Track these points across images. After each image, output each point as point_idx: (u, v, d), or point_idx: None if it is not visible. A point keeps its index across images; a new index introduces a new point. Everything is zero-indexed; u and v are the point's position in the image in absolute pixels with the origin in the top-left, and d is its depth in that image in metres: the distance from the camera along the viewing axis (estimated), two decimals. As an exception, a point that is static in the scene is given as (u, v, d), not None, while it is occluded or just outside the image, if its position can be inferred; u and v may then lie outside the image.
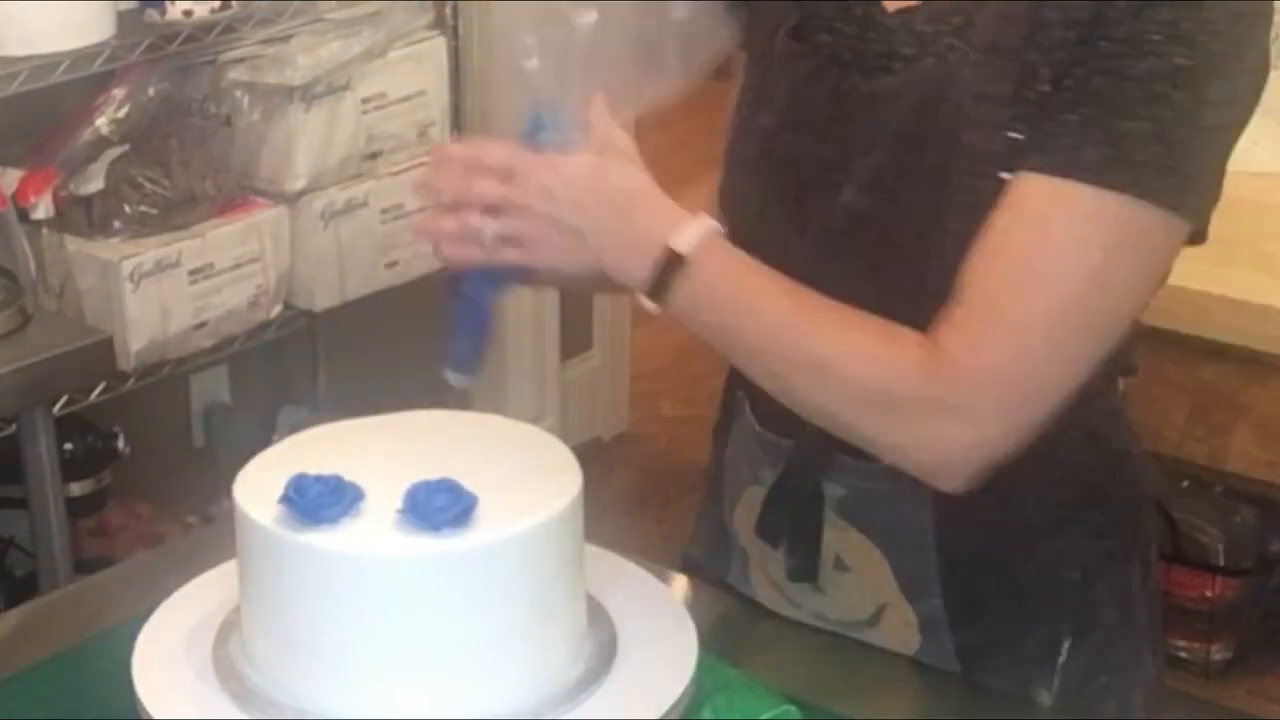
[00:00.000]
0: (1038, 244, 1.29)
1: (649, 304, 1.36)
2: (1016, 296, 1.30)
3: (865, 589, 1.50)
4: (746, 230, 1.48)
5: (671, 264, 1.34)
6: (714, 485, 1.65)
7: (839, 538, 1.50)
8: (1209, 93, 1.28)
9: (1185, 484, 2.81)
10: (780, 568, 1.54)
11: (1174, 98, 1.27)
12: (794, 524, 1.51)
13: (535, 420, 3.54)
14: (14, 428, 2.47)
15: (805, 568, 1.52)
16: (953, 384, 1.30)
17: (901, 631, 1.50)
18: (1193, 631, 2.88)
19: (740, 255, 1.36)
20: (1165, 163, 1.27)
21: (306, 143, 2.84)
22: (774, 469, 1.53)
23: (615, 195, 1.37)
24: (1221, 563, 2.89)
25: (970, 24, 1.36)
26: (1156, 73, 1.26)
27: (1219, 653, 2.92)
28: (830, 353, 1.33)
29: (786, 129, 1.46)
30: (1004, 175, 1.31)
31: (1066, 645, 1.49)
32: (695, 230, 1.35)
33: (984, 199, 1.32)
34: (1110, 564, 1.51)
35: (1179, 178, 1.28)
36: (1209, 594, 2.89)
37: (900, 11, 1.41)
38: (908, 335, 1.32)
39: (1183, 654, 2.87)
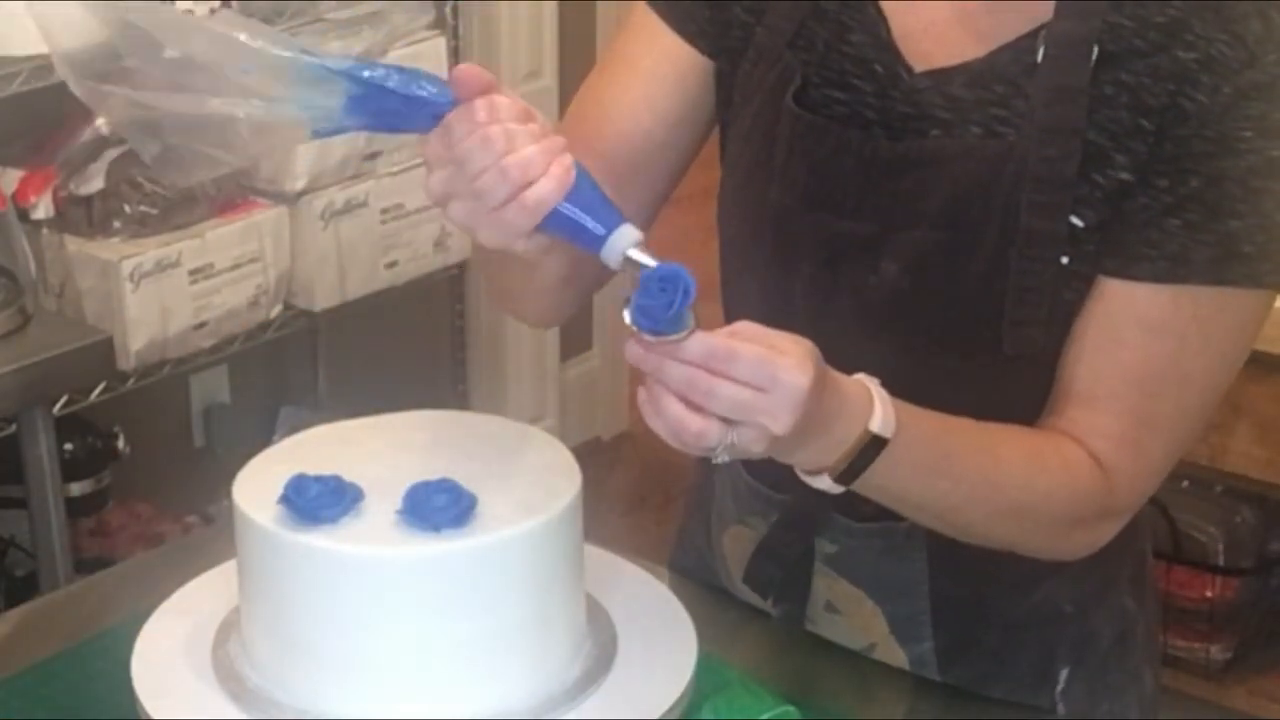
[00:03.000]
0: (1172, 352, 1.32)
1: (827, 484, 1.27)
2: (1162, 404, 1.34)
3: (856, 630, 1.49)
4: (758, 309, 1.40)
5: (869, 449, 1.25)
6: (699, 507, 1.63)
7: (829, 587, 1.49)
8: None
9: (1185, 484, 2.81)
10: (769, 610, 1.53)
11: (1274, 189, 1.28)
12: (784, 577, 1.49)
13: (535, 420, 3.54)
14: (14, 428, 2.46)
15: (794, 616, 1.51)
16: (1125, 495, 1.36)
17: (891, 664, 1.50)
18: (1193, 631, 2.88)
19: (917, 415, 1.27)
20: (1271, 248, 1.30)
21: (306, 142, 2.83)
22: (764, 517, 1.50)
23: (815, 397, 1.20)
24: (1221, 563, 2.89)
25: (1018, 93, 1.31)
26: (1255, 170, 1.28)
27: (1219, 653, 2.92)
28: (1030, 501, 1.34)
29: (808, 205, 1.38)
30: (1064, 260, 1.31)
31: (1064, 674, 1.48)
32: (883, 407, 1.25)
33: (1042, 281, 1.31)
34: (1106, 591, 1.49)
35: None
36: (1209, 594, 2.90)
37: (932, 72, 1.34)
38: (1082, 460, 1.33)
39: (1183, 654, 2.87)
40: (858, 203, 1.36)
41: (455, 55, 3.12)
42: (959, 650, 1.47)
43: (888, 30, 1.36)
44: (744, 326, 1.20)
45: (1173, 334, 1.31)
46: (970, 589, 1.46)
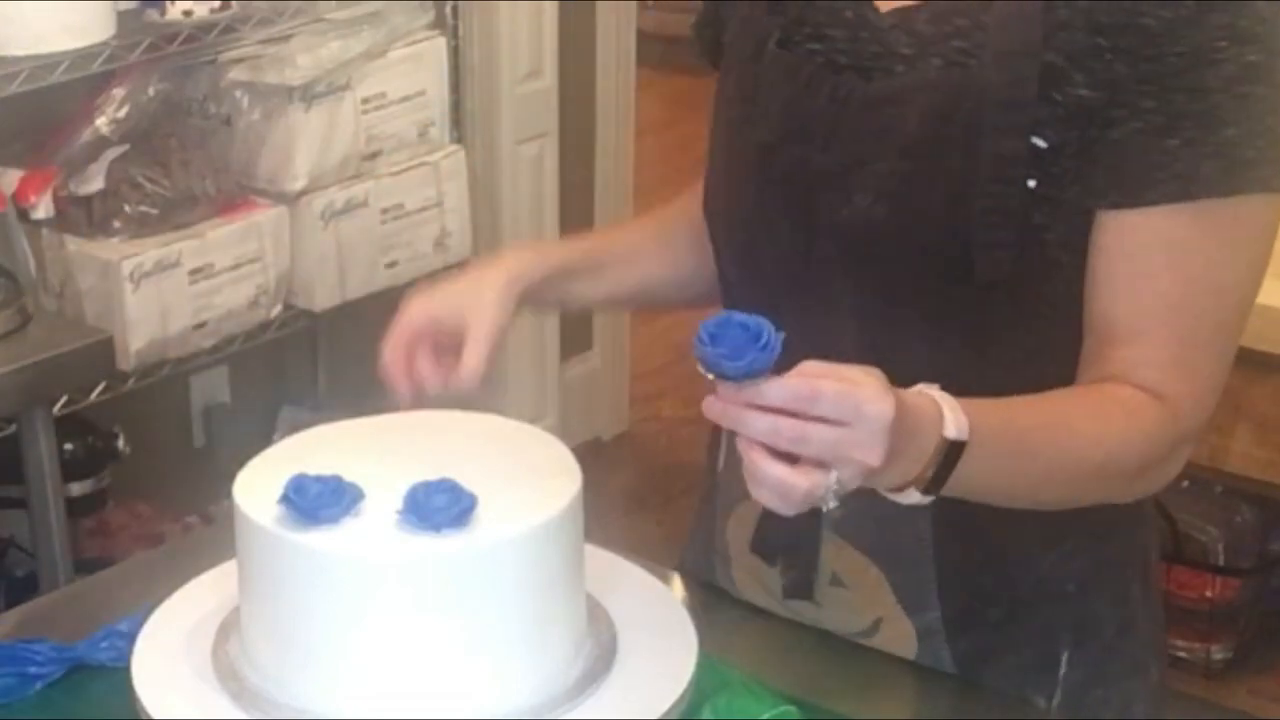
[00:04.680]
0: (1201, 268, 1.34)
1: (916, 497, 1.26)
2: (1203, 321, 1.36)
3: (862, 604, 1.50)
4: (745, 245, 1.48)
5: (950, 456, 1.25)
6: (707, 497, 1.64)
7: (835, 555, 1.49)
8: None
9: (1185, 484, 2.81)
10: (776, 583, 1.54)
11: (1259, 92, 1.30)
12: (791, 542, 1.50)
13: (535, 420, 3.54)
14: (14, 428, 2.47)
15: (801, 584, 1.51)
16: (1188, 418, 1.37)
17: (898, 642, 1.50)
18: (1193, 631, 2.88)
19: (983, 408, 1.28)
20: (1272, 152, 1.32)
21: (306, 143, 2.84)
22: None
23: (899, 422, 1.20)
24: (1221, 563, 2.89)
25: (978, 26, 1.35)
26: (1236, 77, 1.29)
27: (1219, 653, 2.92)
28: (1103, 458, 1.35)
29: (785, 141, 1.43)
30: (1030, 183, 1.33)
31: (1065, 657, 1.49)
32: (952, 412, 1.25)
33: (1009, 205, 1.33)
34: (1108, 573, 1.50)
35: None
36: (1209, 594, 2.90)
37: (895, 12, 1.40)
38: (1138, 401, 1.35)
39: (1183, 654, 2.87)
40: (829, 137, 1.40)
41: (455, 55, 3.12)
42: (966, 621, 1.48)
43: None
44: (809, 365, 1.20)
45: (1198, 251, 1.33)
46: (976, 553, 1.46)
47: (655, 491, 3.76)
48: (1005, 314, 1.38)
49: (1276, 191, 1.34)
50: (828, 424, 1.17)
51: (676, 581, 1.58)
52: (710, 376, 1.17)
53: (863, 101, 1.39)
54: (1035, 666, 1.49)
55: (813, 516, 1.48)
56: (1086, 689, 1.50)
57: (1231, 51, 1.29)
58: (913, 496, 1.26)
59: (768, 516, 1.51)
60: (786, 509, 1.19)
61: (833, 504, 1.20)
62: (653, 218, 1.69)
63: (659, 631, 1.38)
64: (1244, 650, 2.95)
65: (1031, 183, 1.33)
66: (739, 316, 1.18)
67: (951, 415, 1.24)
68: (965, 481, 1.27)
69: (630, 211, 3.92)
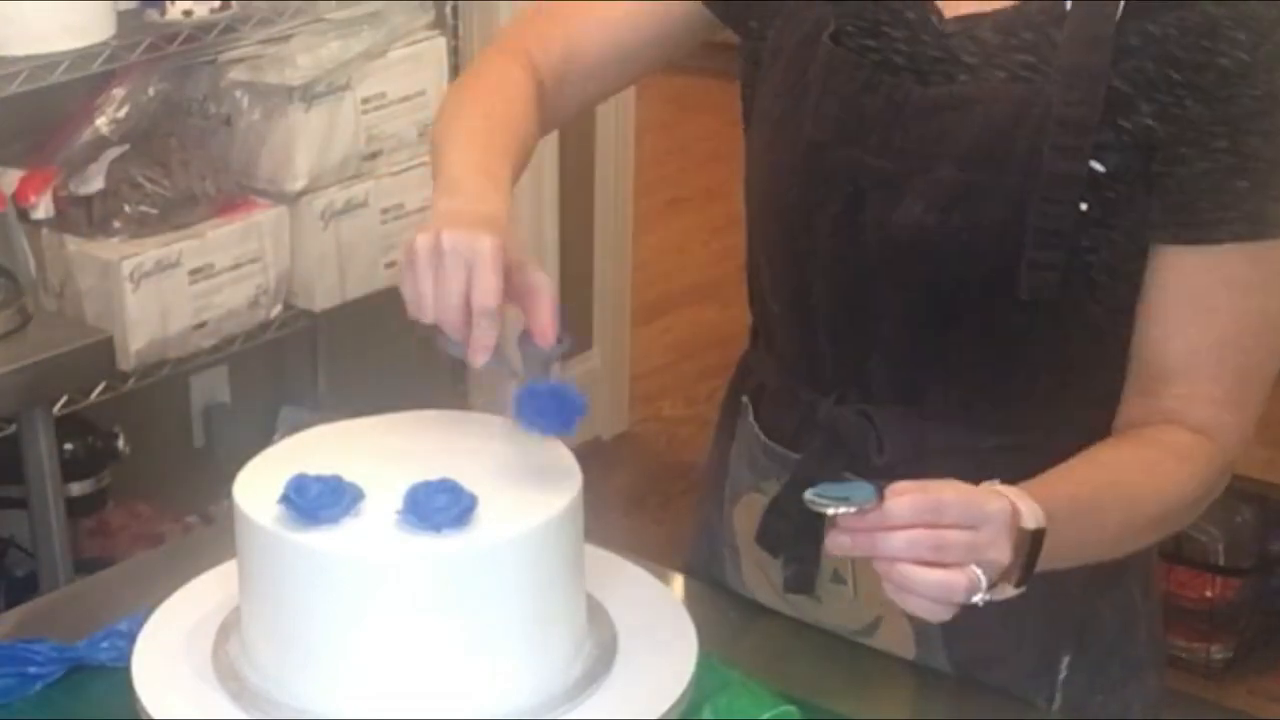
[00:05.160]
0: (1259, 306, 1.37)
1: (1011, 591, 1.27)
2: (1256, 356, 1.39)
3: (862, 601, 1.50)
4: (782, 238, 1.47)
5: (1034, 545, 1.26)
6: (712, 487, 1.64)
7: None
8: None
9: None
10: (778, 574, 1.54)
11: None
12: (795, 535, 1.50)
13: (535, 420, 3.54)
14: (14, 428, 2.46)
15: (802, 579, 1.51)
16: (1233, 449, 1.42)
17: (896, 643, 1.50)
18: (1193, 631, 2.89)
19: (1048, 487, 1.29)
20: None
21: (306, 143, 2.84)
22: (778, 479, 1.52)
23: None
24: (1221, 563, 2.89)
25: (1046, 41, 1.34)
26: None
27: (1219, 653, 2.92)
28: (1166, 509, 1.39)
29: (838, 140, 1.41)
30: (1083, 206, 1.34)
31: (1066, 661, 1.49)
32: (1025, 502, 1.26)
33: (1062, 225, 1.34)
34: (1110, 577, 1.50)
35: None
36: (1209, 594, 2.90)
37: (960, 18, 1.39)
38: (1189, 446, 1.38)
39: (1183, 654, 2.87)
40: (884, 141, 1.39)
41: (455, 55, 3.12)
42: (965, 624, 1.47)
43: None
44: (901, 485, 1.22)
45: (1258, 289, 1.35)
46: None
47: (655, 491, 3.76)
48: (1040, 328, 1.39)
49: None
50: (960, 529, 1.19)
51: (676, 581, 1.58)
52: (829, 512, 1.21)
53: (921, 106, 1.38)
54: (1034, 669, 1.49)
55: (817, 514, 1.48)
56: (1086, 692, 1.49)
57: None
58: (1007, 591, 1.26)
59: (773, 510, 1.51)
60: (945, 612, 1.22)
61: (984, 598, 1.22)
62: (514, 96, 1.55)
63: (659, 631, 1.38)
64: (1244, 650, 2.95)
65: (1084, 206, 1.34)
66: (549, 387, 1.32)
67: (1026, 507, 1.26)
68: (1048, 561, 1.28)
69: (630, 211, 3.92)
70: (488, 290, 1.30)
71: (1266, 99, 1.30)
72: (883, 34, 1.41)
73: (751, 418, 1.56)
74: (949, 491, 1.20)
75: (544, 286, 1.35)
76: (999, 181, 1.35)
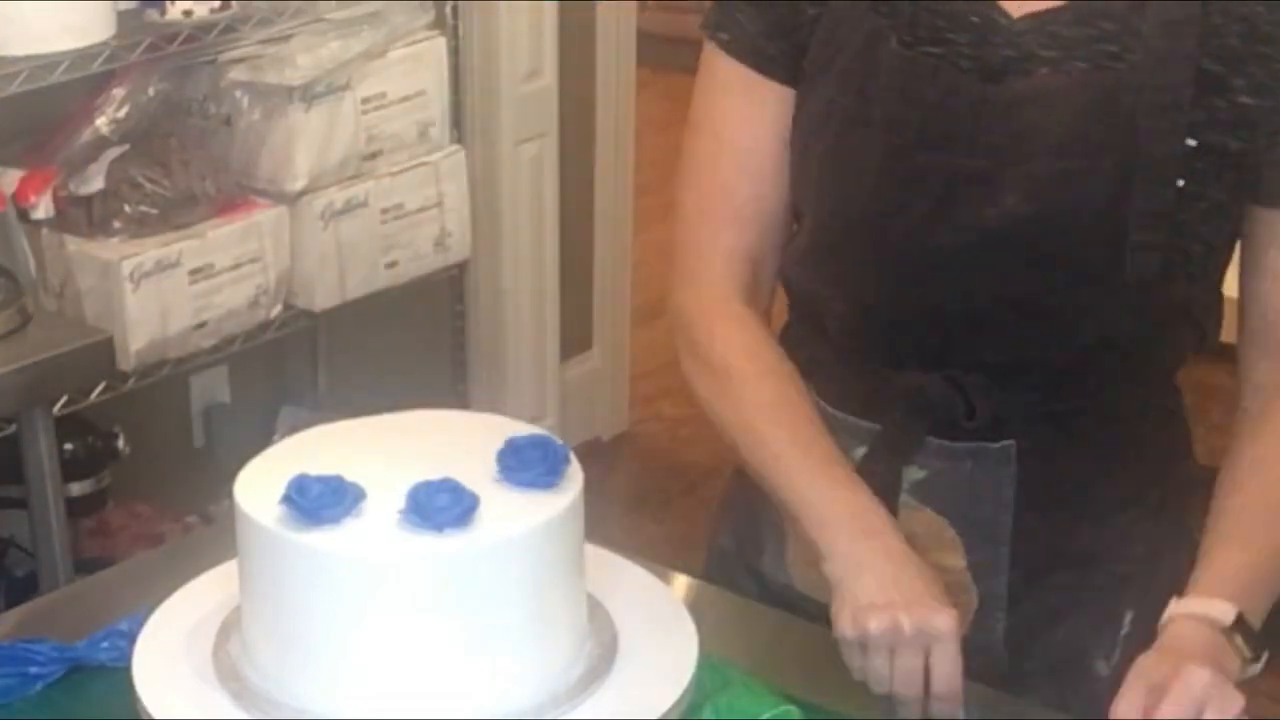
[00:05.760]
0: None
1: (1256, 668, 1.41)
2: None
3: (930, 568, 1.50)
4: (858, 237, 1.47)
5: (1243, 633, 1.38)
6: (748, 479, 1.63)
7: (909, 517, 1.49)
8: None
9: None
10: None
11: None
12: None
13: (535, 420, 3.54)
14: (14, 428, 2.46)
15: None
16: None
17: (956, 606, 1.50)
18: (1193, 631, 2.88)
19: (1221, 564, 1.39)
20: None
21: (306, 143, 2.84)
22: (848, 452, 1.50)
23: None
24: (1222, 563, 2.88)
25: (1128, 30, 1.37)
26: None
27: (1219, 653, 2.91)
28: None
29: (921, 144, 1.42)
30: (1179, 183, 1.36)
31: (1129, 618, 1.50)
32: (1207, 607, 1.37)
33: (1162, 206, 1.37)
34: (1175, 537, 1.52)
35: None
36: (1209, 594, 2.89)
37: (1030, 15, 1.40)
38: None
39: (1183, 654, 2.86)
40: (972, 140, 1.41)
41: (455, 55, 3.12)
42: (1030, 585, 1.49)
43: None
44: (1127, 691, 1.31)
45: None
46: (1052, 517, 1.49)
47: (655, 491, 3.76)
48: (1140, 307, 1.42)
49: None
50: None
51: (677, 581, 1.58)
52: None
53: (1007, 103, 1.40)
54: (1096, 627, 1.51)
55: (894, 482, 1.48)
56: (1146, 648, 1.50)
57: None
58: (1254, 669, 1.38)
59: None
60: None
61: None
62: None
63: (659, 631, 1.38)
64: (1244, 650, 2.94)
65: (1180, 182, 1.37)
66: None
67: (1216, 611, 1.35)
68: (1256, 618, 1.37)
69: (630, 211, 3.92)
70: (953, 677, 1.34)
71: None
72: (945, 40, 1.42)
73: (812, 394, 1.54)
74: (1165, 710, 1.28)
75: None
76: (1095, 168, 1.38)
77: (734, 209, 1.52)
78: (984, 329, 1.45)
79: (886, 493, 1.48)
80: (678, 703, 1.31)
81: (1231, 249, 1.47)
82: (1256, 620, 1.39)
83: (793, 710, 1.34)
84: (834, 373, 1.53)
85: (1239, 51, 1.36)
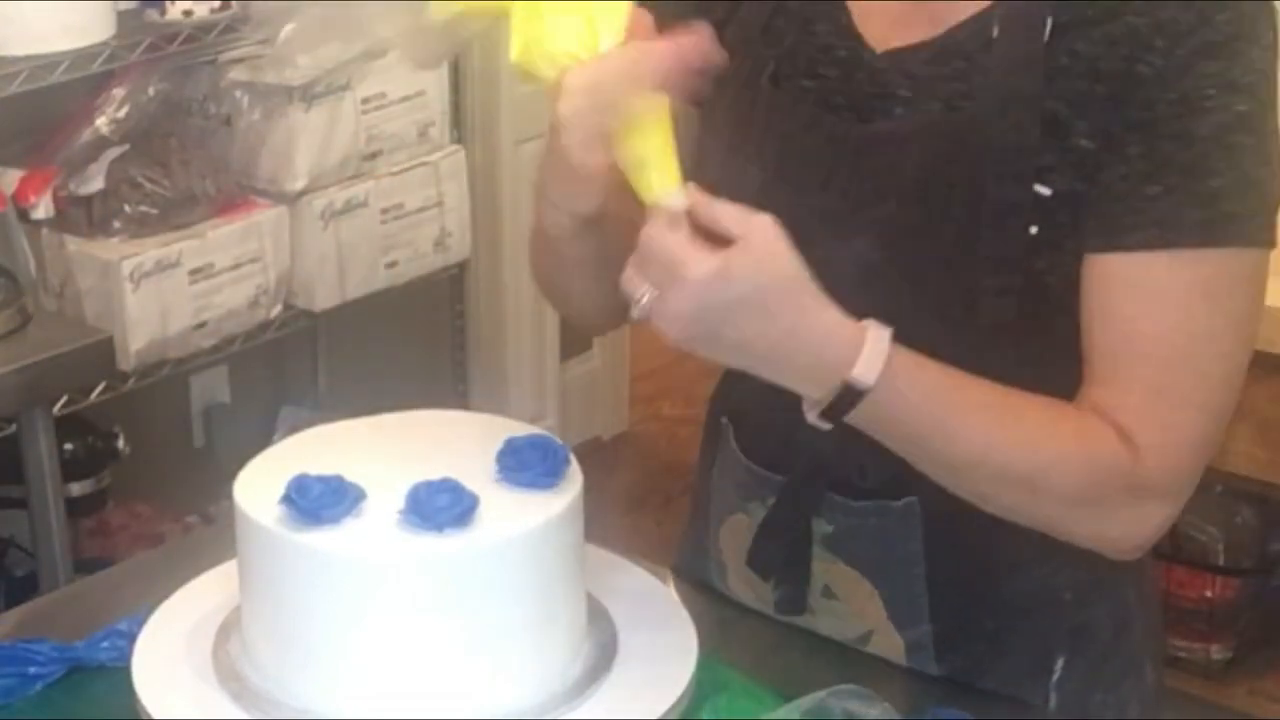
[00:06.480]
0: (1178, 320, 1.31)
1: (814, 419, 1.28)
2: (1181, 373, 1.32)
3: (852, 616, 1.50)
4: None
5: (852, 394, 1.26)
6: (699, 504, 1.64)
7: (827, 570, 1.49)
8: (1270, 125, 1.30)
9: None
10: (769, 596, 1.53)
11: (1246, 144, 1.28)
12: (785, 559, 1.50)
13: (535, 420, 3.54)
14: (14, 428, 2.47)
15: (793, 600, 1.51)
16: (1156, 471, 1.33)
17: (887, 653, 1.50)
18: (1193, 631, 2.88)
19: (919, 368, 1.28)
20: (1256, 205, 1.30)
21: (306, 143, 2.84)
22: (762, 501, 1.51)
23: (781, 315, 1.25)
24: (1221, 563, 2.89)
25: (976, 69, 1.33)
26: (1225, 125, 1.27)
27: (1219, 653, 2.92)
28: (1037, 467, 1.32)
29: (781, 181, 1.39)
30: (1032, 230, 1.31)
31: (1060, 663, 1.48)
32: (874, 358, 1.25)
33: (1012, 251, 1.32)
34: (1103, 582, 1.49)
35: (1266, 213, 1.31)
36: (1209, 594, 2.90)
37: (891, 53, 1.37)
38: (1101, 430, 1.31)
39: (1183, 654, 2.87)
40: (827, 179, 1.38)
41: (455, 55, 3.12)
42: (956, 635, 1.47)
43: (848, 16, 1.40)
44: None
45: (1173, 302, 1.30)
46: (967, 569, 1.46)
47: (655, 491, 3.76)
48: (1001, 351, 1.36)
49: (1258, 246, 1.31)
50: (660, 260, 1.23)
51: (677, 581, 1.57)
52: None
53: (860, 143, 1.37)
54: (1027, 672, 1.48)
55: (804, 535, 1.48)
56: (1082, 691, 1.49)
57: (1221, 100, 1.27)
58: (810, 417, 1.27)
59: (762, 535, 1.51)
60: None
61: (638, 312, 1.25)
62: None
63: (659, 631, 1.38)
64: (1244, 650, 2.95)
65: (1034, 229, 1.31)
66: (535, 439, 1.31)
67: (867, 359, 1.25)
68: (867, 428, 1.28)
69: (630, 211, 3.92)
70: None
71: (1180, 103, 1.27)
72: (818, 74, 1.40)
73: (733, 440, 1.55)
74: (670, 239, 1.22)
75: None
76: (944, 213, 1.33)
77: None
78: None
79: (798, 545, 1.48)
80: (677, 703, 1.31)
81: None
82: (860, 420, 1.28)
83: (792, 710, 1.34)
84: (754, 422, 1.53)
85: (1083, 93, 1.29)
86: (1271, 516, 2.93)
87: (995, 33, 1.32)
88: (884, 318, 1.33)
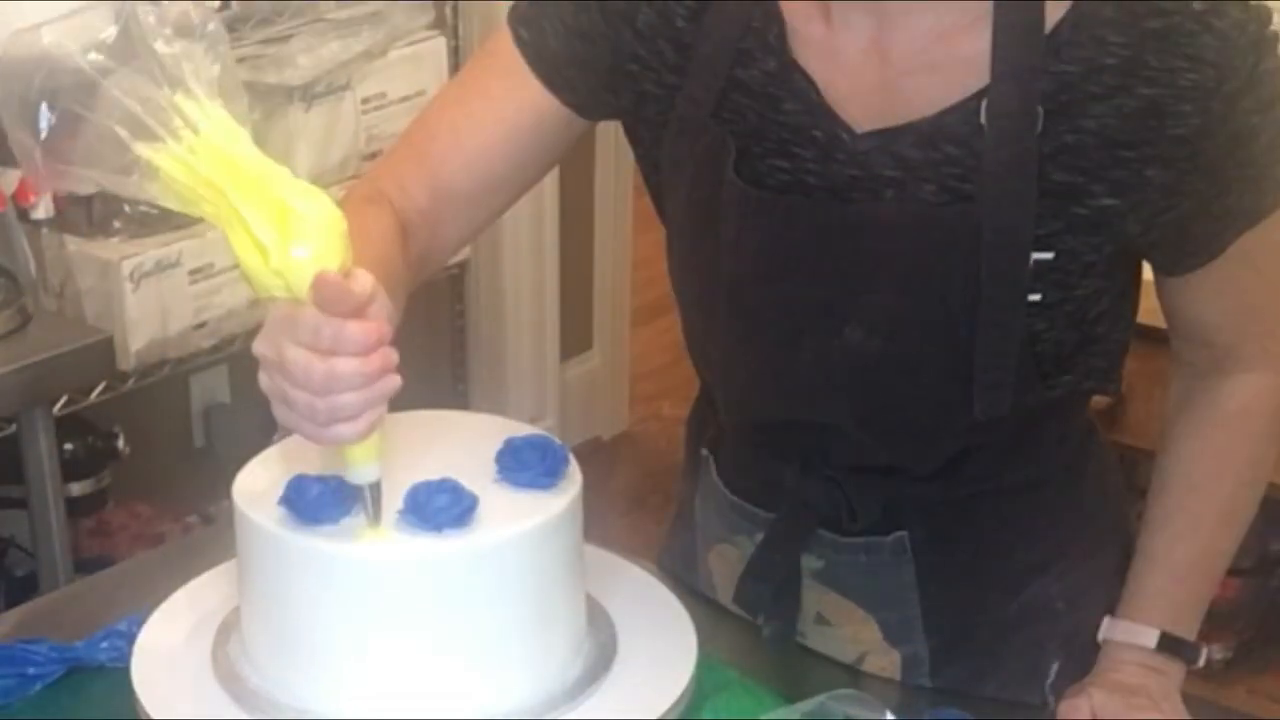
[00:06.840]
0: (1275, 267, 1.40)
1: (1201, 659, 1.54)
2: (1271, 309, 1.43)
3: (847, 639, 1.50)
4: (727, 376, 1.45)
5: (1171, 647, 1.50)
6: (685, 520, 1.63)
7: (819, 599, 1.50)
8: None
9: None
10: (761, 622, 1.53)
11: None
12: (774, 596, 1.49)
13: (535, 420, 3.54)
14: (14, 428, 2.46)
15: (785, 634, 1.51)
16: None
17: (883, 671, 1.50)
18: (1192, 631, 2.88)
19: (1152, 585, 1.46)
20: None
21: (306, 143, 2.84)
22: (749, 536, 1.51)
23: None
24: (1221, 563, 2.88)
25: (970, 153, 1.28)
26: (1274, 137, 1.31)
27: (1219, 653, 2.92)
28: (1253, 479, 1.48)
29: (765, 277, 1.35)
30: (1035, 297, 1.31)
31: (1055, 668, 1.49)
32: (1134, 630, 1.46)
33: (1007, 347, 1.32)
34: (1096, 588, 1.49)
35: None
36: (1209, 594, 2.89)
37: (875, 133, 1.31)
38: (1244, 403, 1.44)
39: (1182, 654, 2.87)
40: (815, 268, 1.34)
41: (455, 55, 3.12)
42: (951, 650, 1.48)
43: (819, 94, 1.33)
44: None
45: (1269, 259, 1.37)
46: (960, 592, 1.46)
47: (655, 491, 3.76)
48: (992, 435, 1.37)
49: None
50: None
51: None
52: None
53: (848, 228, 1.32)
54: (1022, 678, 1.49)
55: (793, 570, 1.48)
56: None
57: (1266, 119, 1.29)
58: (1197, 663, 1.50)
59: (750, 572, 1.50)
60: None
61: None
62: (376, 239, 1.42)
63: (659, 631, 1.38)
64: (1244, 650, 2.95)
65: (1036, 296, 1.31)
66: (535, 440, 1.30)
67: (1140, 636, 1.43)
68: (1197, 616, 1.48)
69: (630, 211, 3.92)
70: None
71: (1230, 140, 1.27)
72: (791, 154, 1.33)
73: (715, 473, 1.55)
74: None
75: None
76: (941, 302, 1.30)
77: (430, 169, 1.42)
78: (852, 439, 1.40)
79: (788, 579, 1.48)
80: (677, 703, 1.31)
81: (1124, 326, 1.42)
82: (1187, 630, 1.45)
83: (793, 710, 1.34)
84: (731, 457, 1.53)
85: (1099, 160, 1.27)
86: (1271, 516, 2.93)
87: (984, 120, 1.28)
88: (880, 406, 1.36)
